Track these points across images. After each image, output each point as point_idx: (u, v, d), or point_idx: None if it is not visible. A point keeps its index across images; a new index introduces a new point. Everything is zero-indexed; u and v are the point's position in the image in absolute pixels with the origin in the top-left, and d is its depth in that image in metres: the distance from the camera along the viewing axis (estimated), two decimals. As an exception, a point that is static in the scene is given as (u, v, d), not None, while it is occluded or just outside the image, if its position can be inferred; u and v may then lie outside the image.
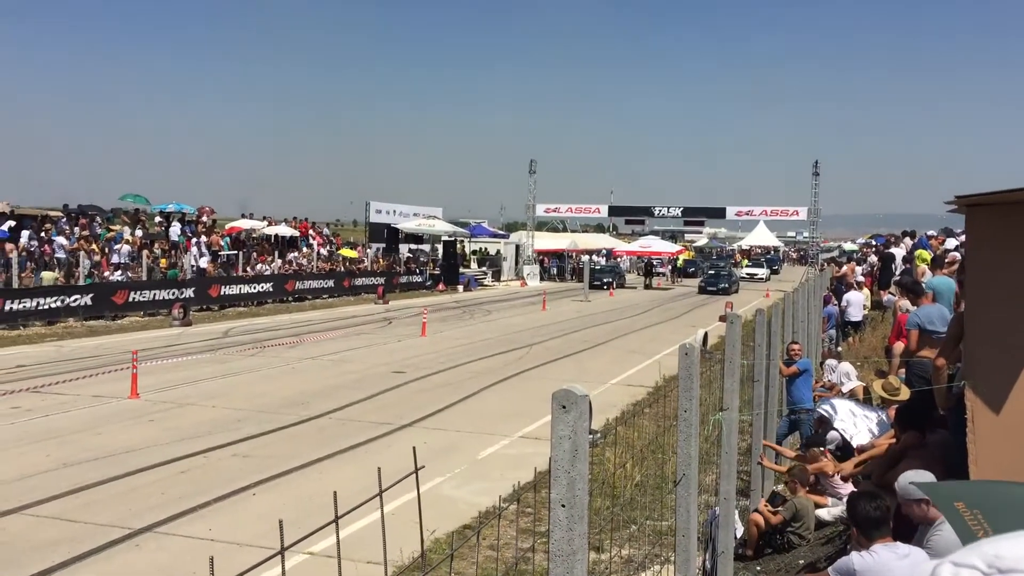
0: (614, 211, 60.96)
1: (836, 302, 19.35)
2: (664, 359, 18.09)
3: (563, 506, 2.23)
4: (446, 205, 61.55)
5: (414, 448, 2.23)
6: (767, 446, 9.10)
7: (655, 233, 79.25)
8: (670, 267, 60.49)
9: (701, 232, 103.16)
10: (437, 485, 9.31)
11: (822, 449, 8.21)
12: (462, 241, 51.15)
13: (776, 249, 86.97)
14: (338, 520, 1.89)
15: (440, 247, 47.83)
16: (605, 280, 48.29)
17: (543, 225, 69.30)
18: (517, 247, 56.39)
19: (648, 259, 56.09)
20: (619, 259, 62.30)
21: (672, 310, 35.60)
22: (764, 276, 62.16)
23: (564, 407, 2.21)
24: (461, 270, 46.61)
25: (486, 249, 55.84)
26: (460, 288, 43.47)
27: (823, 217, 55.05)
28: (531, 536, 7.37)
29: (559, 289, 47.09)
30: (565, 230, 77.69)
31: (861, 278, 21.27)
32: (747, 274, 62.17)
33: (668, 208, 56.96)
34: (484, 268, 51.96)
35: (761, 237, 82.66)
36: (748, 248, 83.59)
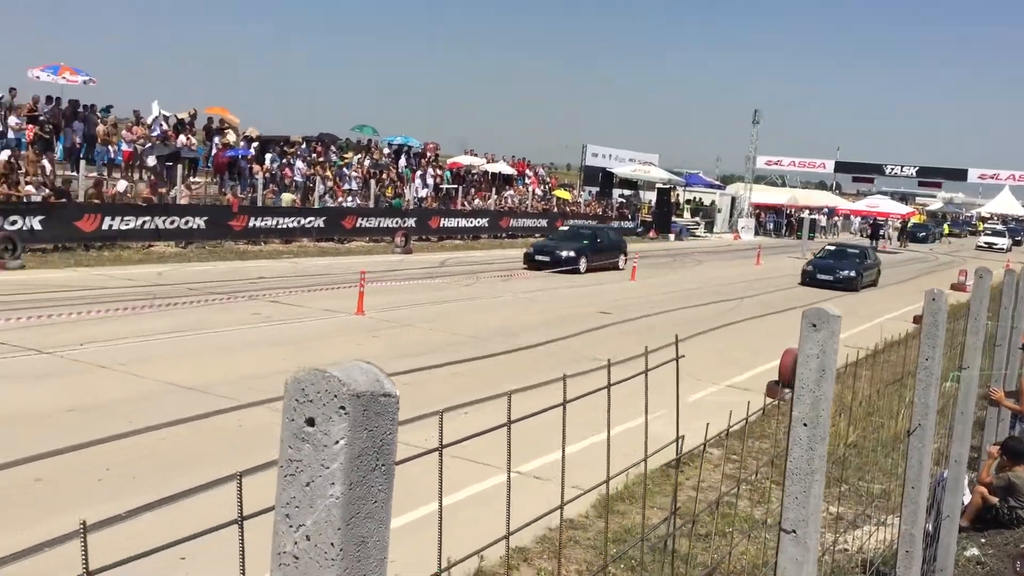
0: (841, 167, 57.96)
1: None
2: (886, 323, 17.16)
3: (805, 425, 2.23)
4: (661, 153, 60.45)
5: (676, 335, 2.28)
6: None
7: (883, 194, 74.32)
8: (898, 229, 56.80)
9: (936, 196, 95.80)
10: (641, 424, 9.39)
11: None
12: (676, 189, 50.36)
13: (1020, 219, 79.58)
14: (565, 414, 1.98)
15: (654, 194, 47.33)
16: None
17: (761, 179, 66.78)
18: (733, 199, 54.81)
19: (874, 219, 52.92)
20: (840, 218, 59.15)
21: (899, 274, 33.55)
22: (1005, 246, 57.21)
23: (815, 325, 2.19)
24: (673, 219, 45.99)
25: (700, 199, 54.68)
26: (671, 237, 42.97)
27: (1082, 186, 49.70)
28: (732, 481, 7.33)
29: (774, 244, 45.49)
30: (784, 185, 74.56)
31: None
32: (985, 243, 57.63)
33: (902, 167, 53.42)
34: (697, 218, 50.98)
35: (1004, 204, 75.63)
36: (989, 215, 77.02)
